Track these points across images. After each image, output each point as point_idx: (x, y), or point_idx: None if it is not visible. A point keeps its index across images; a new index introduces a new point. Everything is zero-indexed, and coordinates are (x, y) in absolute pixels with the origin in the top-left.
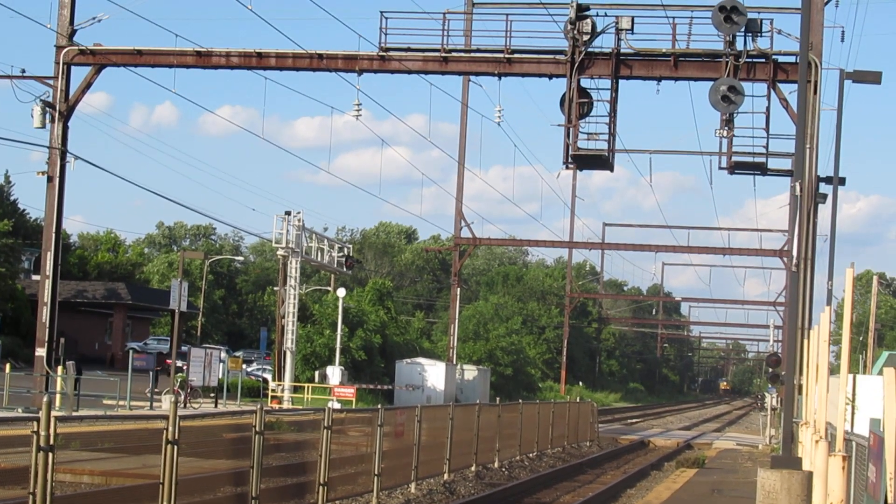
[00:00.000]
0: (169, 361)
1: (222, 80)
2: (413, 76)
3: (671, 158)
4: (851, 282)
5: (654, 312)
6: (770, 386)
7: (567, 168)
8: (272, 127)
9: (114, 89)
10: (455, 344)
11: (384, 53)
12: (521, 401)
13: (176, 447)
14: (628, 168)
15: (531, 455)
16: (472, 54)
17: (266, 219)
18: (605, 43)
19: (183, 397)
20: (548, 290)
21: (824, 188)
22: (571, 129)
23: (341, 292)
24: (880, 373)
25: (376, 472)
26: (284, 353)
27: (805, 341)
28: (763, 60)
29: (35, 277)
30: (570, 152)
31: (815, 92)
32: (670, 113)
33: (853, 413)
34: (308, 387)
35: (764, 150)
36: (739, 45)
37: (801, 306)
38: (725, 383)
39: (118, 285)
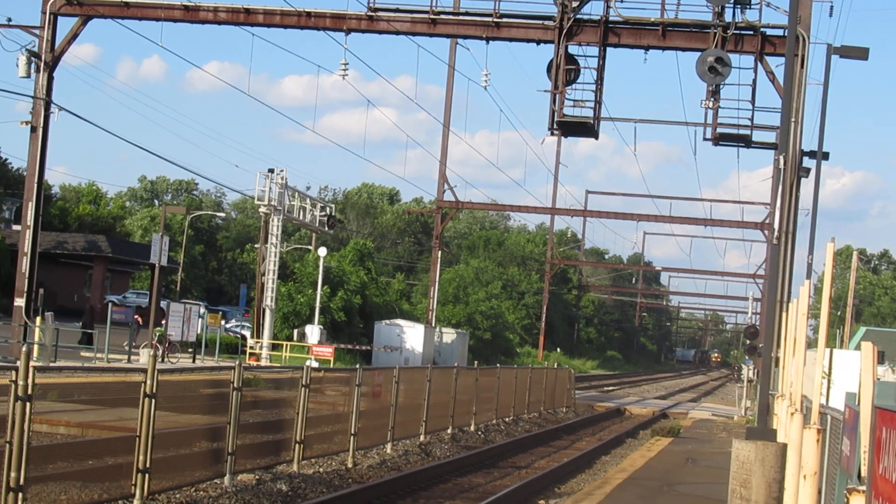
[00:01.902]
0: (138, 317)
1: (211, 36)
2: (401, 37)
3: (657, 129)
4: (832, 256)
5: (633, 281)
6: (747, 358)
7: (552, 134)
8: (260, 85)
9: (102, 41)
10: (434, 306)
11: (372, 13)
12: (498, 365)
13: (154, 401)
14: (613, 136)
15: (507, 419)
16: (461, 17)
17: (249, 176)
18: (593, 10)
19: (161, 352)
20: (529, 255)
21: (808, 162)
22: (558, 95)
23: (322, 251)
24: (857, 348)
25: (353, 432)
26: (264, 310)
27: (784, 314)
28: (751, 33)
29: (16, 227)
30: (556, 118)
31: (802, 66)
32: (657, 83)
33: (829, 387)
34: (286, 345)
35: (749, 123)
36: (728, 17)
37: (781, 280)
38: (717, 355)
39: (98, 238)
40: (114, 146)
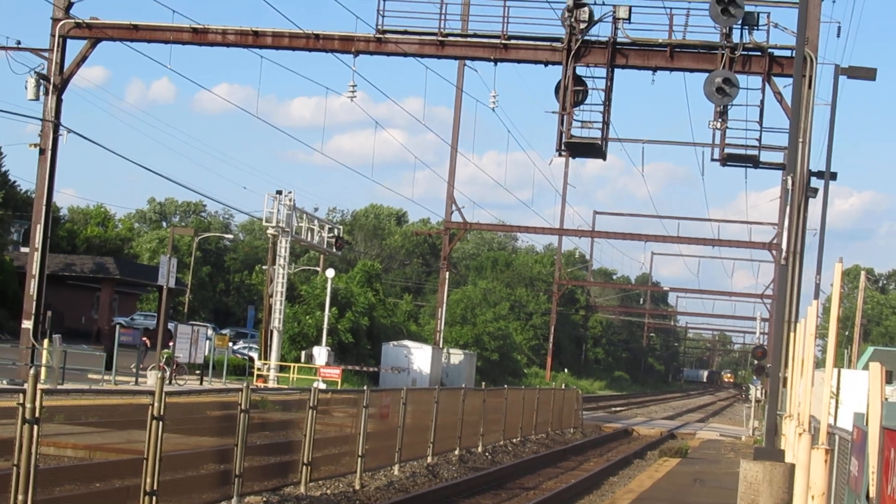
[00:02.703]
0: (146, 339)
1: (220, 58)
2: (409, 59)
3: (665, 149)
4: (839, 276)
5: (641, 302)
6: (755, 378)
7: (560, 155)
8: (269, 106)
9: (112, 64)
10: (442, 327)
11: (381, 35)
12: (506, 386)
13: (161, 423)
14: (621, 157)
15: (515, 440)
16: (469, 39)
17: (257, 197)
18: (601, 31)
19: (168, 374)
20: (536, 276)
21: (816, 182)
22: (566, 116)
23: (330, 273)
24: (865, 368)
25: (360, 454)
26: (271, 332)
27: (791, 334)
28: (759, 54)
29: (24, 249)
30: (564, 139)
31: (810, 86)
32: (665, 104)
33: (837, 407)
34: (294, 366)
35: (757, 143)
36: (736, 38)
37: (789, 299)
38: (730, 375)
39: (107, 260)
40: (122, 168)
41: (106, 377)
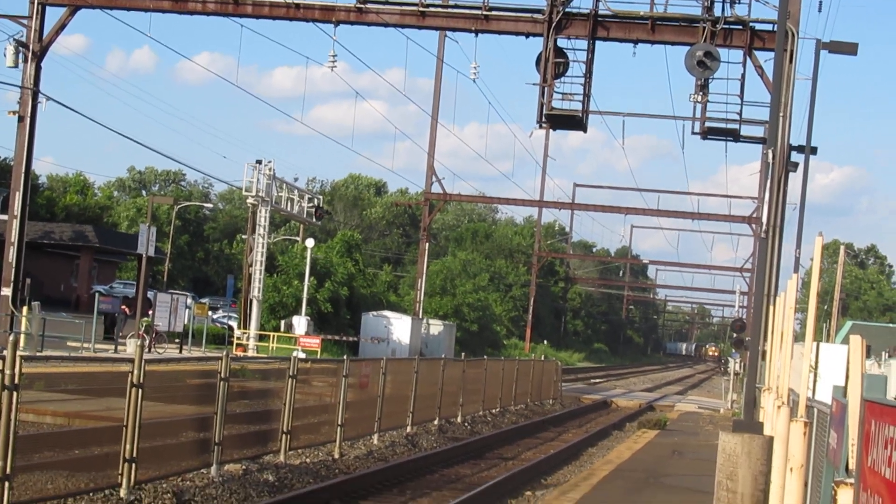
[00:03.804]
0: (125, 307)
1: (201, 27)
2: (391, 30)
3: (645, 123)
4: (819, 250)
5: (621, 274)
6: (734, 351)
7: (541, 127)
8: (250, 76)
9: (92, 32)
10: (422, 298)
11: (361, 5)
12: (485, 357)
13: (141, 391)
14: (602, 130)
15: (494, 411)
16: (450, 10)
17: (237, 167)
18: (583, 4)
19: (148, 342)
20: (516, 248)
21: (796, 157)
22: (546, 88)
23: (310, 243)
24: (844, 342)
25: (339, 423)
26: (251, 301)
27: (771, 308)
28: (740, 27)
29: (2, 217)
30: (544, 111)
31: (791, 61)
32: (646, 77)
33: (815, 380)
34: (273, 336)
35: (737, 117)
36: (717, 12)
37: (768, 273)
38: (715, 349)
39: (86, 228)
40: (102, 137)
41: (85, 345)
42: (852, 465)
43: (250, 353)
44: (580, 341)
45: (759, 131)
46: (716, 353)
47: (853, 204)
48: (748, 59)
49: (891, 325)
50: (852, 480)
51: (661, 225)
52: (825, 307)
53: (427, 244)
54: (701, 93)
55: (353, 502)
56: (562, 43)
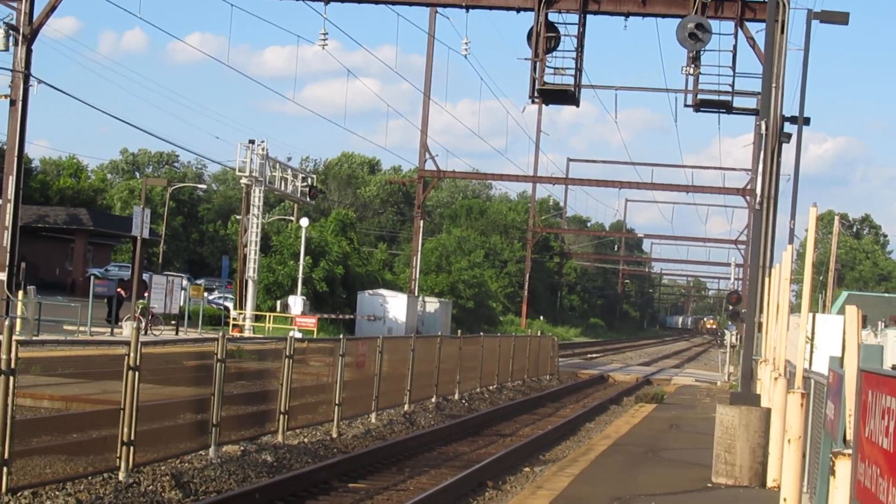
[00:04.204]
0: (121, 290)
1: (192, 7)
2: (382, 7)
3: (639, 97)
4: (814, 221)
5: (616, 248)
6: (730, 323)
7: (533, 102)
8: (242, 56)
9: (83, 14)
10: (417, 276)
11: None
12: (482, 334)
13: (137, 373)
14: (595, 105)
15: (491, 388)
16: None
17: (231, 147)
18: None
19: (144, 324)
20: (511, 224)
21: (789, 128)
22: (538, 63)
23: (304, 222)
24: (839, 312)
25: (337, 402)
26: (246, 281)
27: (766, 280)
28: None
29: None
30: (537, 87)
31: (783, 31)
32: (638, 50)
33: (812, 351)
34: (270, 316)
35: (730, 89)
36: None
37: (763, 245)
38: (713, 321)
39: (80, 211)
40: (95, 119)
41: (81, 329)
42: (850, 435)
43: (247, 334)
44: (576, 316)
45: (751, 103)
46: (714, 326)
47: (847, 174)
48: (739, 30)
49: (886, 294)
50: (850, 451)
51: (655, 198)
52: (820, 278)
53: (421, 222)
54: (693, 65)
55: (351, 481)
56: (553, 17)
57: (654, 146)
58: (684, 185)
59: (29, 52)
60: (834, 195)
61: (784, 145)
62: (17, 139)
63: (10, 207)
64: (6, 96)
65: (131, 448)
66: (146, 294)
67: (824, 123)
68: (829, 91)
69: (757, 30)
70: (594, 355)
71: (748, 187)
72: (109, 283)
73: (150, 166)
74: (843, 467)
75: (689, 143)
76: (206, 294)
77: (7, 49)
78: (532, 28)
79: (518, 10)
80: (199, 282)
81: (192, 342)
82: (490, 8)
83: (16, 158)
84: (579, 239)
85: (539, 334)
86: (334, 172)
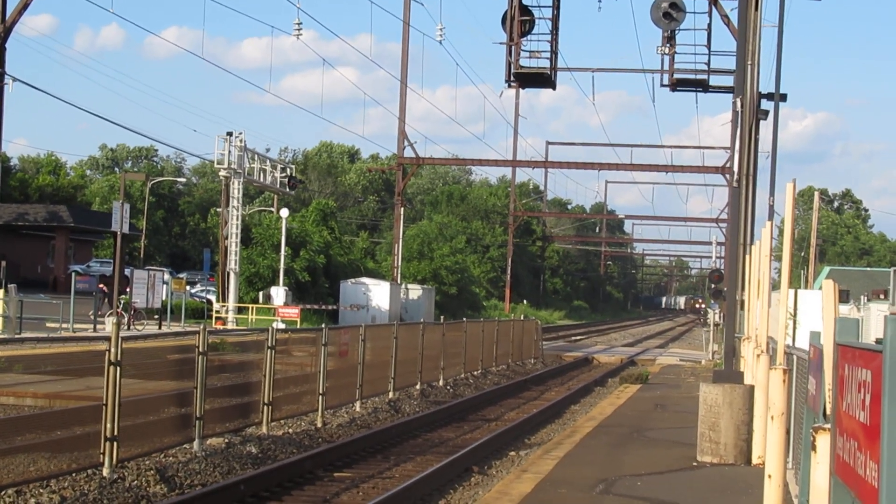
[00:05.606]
0: (102, 286)
1: (169, 2)
2: None
3: (616, 78)
4: (792, 197)
5: (597, 230)
6: (713, 302)
7: (510, 86)
8: (219, 48)
9: (59, 11)
10: (399, 263)
11: None
12: (465, 319)
13: (119, 368)
14: (573, 87)
15: (476, 373)
16: None
17: (209, 140)
18: None
19: (126, 319)
20: (491, 208)
21: (766, 105)
22: (513, 47)
23: (284, 212)
24: (822, 288)
25: (321, 392)
26: (228, 274)
27: (747, 257)
28: None
29: None
30: (513, 70)
31: (757, 8)
32: (613, 32)
33: (794, 328)
34: (252, 307)
35: (706, 67)
36: None
37: (743, 222)
38: (701, 301)
39: (60, 208)
40: (73, 116)
41: (64, 325)
42: (829, 409)
43: (230, 326)
44: (560, 299)
45: (728, 81)
46: (702, 305)
47: (827, 149)
48: (714, 8)
49: (868, 269)
50: (829, 426)
51: (635, 179)
52: (801, 254)
53: (402, 209)
54: (668, 45)
55: (336, 471)
56: (527, 1)
57: (633, 127)
58: (664, 165)
59: (2, 51)
60: (814, 171)
61: (762, 122)
62: None
63: None
64: None
65: (115, 444)
66: (128, 289)
67: (803, 99)
68: (807, 67)
69: (731, 7)
70: (578, 338)
71: (727, 165)
72: (91, 279)
73: (130, 161)
74: (824, 442)
75: (668, 123)
76: (188, 287)
77: None
78: (506, 12)
79: None
80: (181, 275)
81: (173, 336)
82: None
83: None
84: (561, 222)
85: (522, 318)
86: (314, 162)
